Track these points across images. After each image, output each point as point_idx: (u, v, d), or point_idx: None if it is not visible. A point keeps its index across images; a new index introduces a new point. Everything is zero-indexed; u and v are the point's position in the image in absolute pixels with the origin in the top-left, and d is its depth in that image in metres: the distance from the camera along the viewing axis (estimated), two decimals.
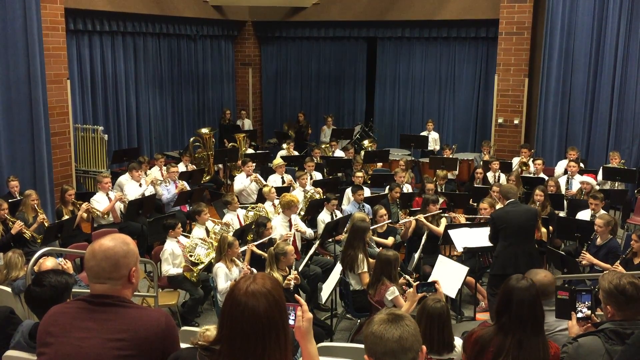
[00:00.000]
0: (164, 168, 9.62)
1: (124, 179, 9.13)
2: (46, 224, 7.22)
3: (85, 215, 7.82)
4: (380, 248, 6.71)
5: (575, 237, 7.38)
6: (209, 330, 3.58)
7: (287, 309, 2.25)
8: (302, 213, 8.43)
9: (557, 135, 11.61)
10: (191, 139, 12.18)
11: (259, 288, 2.03)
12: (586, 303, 3.39)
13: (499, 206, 7.32)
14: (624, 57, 10.80)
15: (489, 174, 9.98)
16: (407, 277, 5.56)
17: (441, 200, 8.47)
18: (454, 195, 9.15)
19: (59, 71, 9.42)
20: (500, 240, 6.13)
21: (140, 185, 8.93)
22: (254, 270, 6.00)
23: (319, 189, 9.09)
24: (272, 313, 2.01)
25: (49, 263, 4.78)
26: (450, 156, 10.93)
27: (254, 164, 9.89)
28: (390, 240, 7.51)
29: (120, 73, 11.87)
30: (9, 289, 5.06)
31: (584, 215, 7.62)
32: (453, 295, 5.89)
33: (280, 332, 2.04)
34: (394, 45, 13.93)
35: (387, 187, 9.00)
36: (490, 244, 6.42)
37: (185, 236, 7.10)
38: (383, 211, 7.57)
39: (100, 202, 8.12)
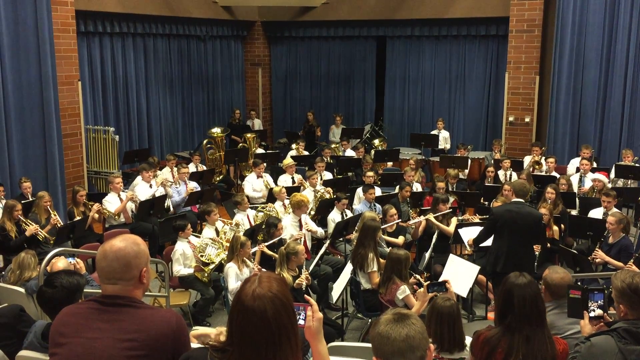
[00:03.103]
0: (175, 169, 9.64)
1: (139, 179, 9.14)
2: (59, 226, 7.26)
3: (96, 215, 7.87)
4: (391, 247, 6.69)
5: (588, 236, 7.33)
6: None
7: (297, 309, 2.25)
8: (312, 213, 8.44)
9: (569, 133, 11.53)
10: (204, 142, 12.20)
11: (265, 292, 2.01)
12: (599, 302, 3.37)
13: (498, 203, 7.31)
14: (636, 54, 10.71)
15: (500, 173, 9.93)
16: (418, 276, 5.55)
17: (452, 199, 8.44)
18: (465, 194, 9.12)
19: (70, 73, 9.49)
20: (495, 237, 5.96)
21: (150, 186, 8.95)
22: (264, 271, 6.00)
23: (329, 189, 9.09)
24: (280, 317, 2.00)
25: (61, 264, 4.81)
26: (464, 155, 10.90)
27: (265, 164, 9.91)
28: (400, 240, 7.49)
29: (130, 74, 11.94)
30: (22, 290, 5.10)
31: (596, 213, 7.56)
32: (464, 294, 5.86)
33: (290, 334, 2.03)
34: (404, 43, 13.89)
35: (398, 186, 8.98)
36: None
37: (196, 236, 7.12)
38: (393, 211, 7.56)
39: (111, 202, 8.16)
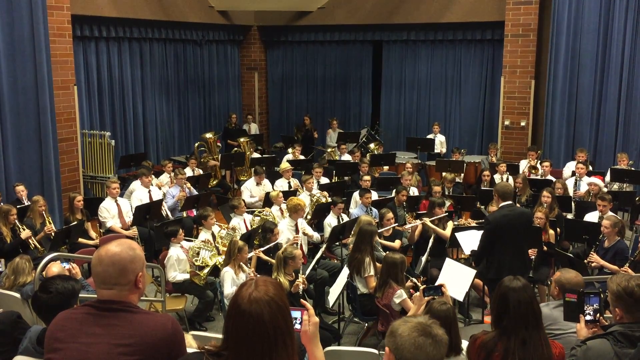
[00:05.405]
0: (172, 174, 9.61)
1: (137, 185, 9.13)
2: (52, 235, 7.18)
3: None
4: (387, 251, 6.69)
5: (583, 239, 7.34)
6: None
7: (293, 314, 2.25)
8: (309, 217, 8.43)
9: (565, 137, 11.56)
10: (196, 144, 12.21)
11: (261, 296, 2.01)
12: (594, 305, 3.37)
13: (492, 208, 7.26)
14: (631, 58, 10.76)
15: (496, 177, 9.94)
16: (414, 280, 5.55)
17: (448, 203, 8.44)
18: (461, 198, 9.13)
19: (66, 77, 9.47)
20: (495, 244, 5.86)
21: (149, 191, 8.93)
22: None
23: (325, 193, 9.09)
24: (277, 320, 2.00)
25: (55, 269, 4.80)
26: (459, 159, 10.92)
27: (264, 173, 9.87)
28: (397, 243, 7.49)
29: (126, 79, 11.93)
30: (17, 295, 5.07)
31: (591, 217, 7.57)
32: (461, 298, 5.86)
33: (287, 338, 2.03)
34: (400, 48, 13.93)
35: (394, 190, 8.98)
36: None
37: (189, 240, 7.10)
38: (390, 215, 7.56)
39: (109, 208, 8.15)
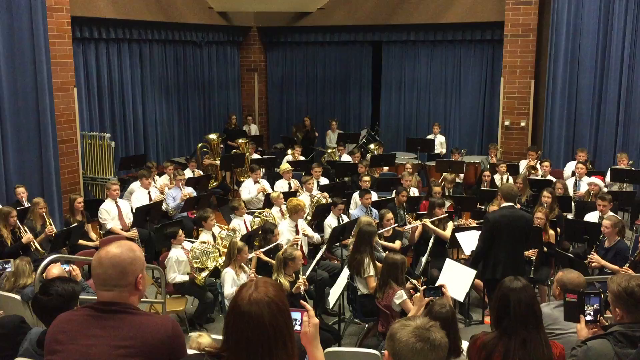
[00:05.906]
0: (171, 176, 9.61)
1: (136, 186, 9.13)
2: (53, 236, 7.18)
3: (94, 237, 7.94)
4: (387, 252, 6.69)
5: (584, 239, 7.33)
6: (202, 336, 3.62)
7: (293, 315, 2.25)
8: (309, 218, 8.43)
9: (564, 137, 11.56)
10: (199, 145, 12.21)
11: (261, 297, 2.01)
12: (595, 305, 3.37)
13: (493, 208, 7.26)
14: (631, 58, 10.76)
15: (496, 177, 9.94)
16: (414, 281, 5.54)
17: (448, 203, 8.44)
18: (461, 199, 9.12)
19: (65, 79, 9.47)
20: (492, 244, 5.90)
21: (149, 192, 8.93)
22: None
23: (325, 194, 9.09)
24: (277, 322, 2.00)
25: (55, 270, 4.79)
26: (459, 160, 10.92)
27: (261, 170, 9.91)
28: (397, 244, 7.49)
29: (126, 80, 11.94)
30: (18, 297, 5.08)
31: (592, 217, 7.57)
32: (461, 298, 5.86)
33: (287, 339, 2.03)
34: (399, 49, 13.93)
35: (394, 190, 8.99)
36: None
37: (190, 242, 7.10)
38: (390, 215, 7.56)
39: (109, 210, 8.15)
